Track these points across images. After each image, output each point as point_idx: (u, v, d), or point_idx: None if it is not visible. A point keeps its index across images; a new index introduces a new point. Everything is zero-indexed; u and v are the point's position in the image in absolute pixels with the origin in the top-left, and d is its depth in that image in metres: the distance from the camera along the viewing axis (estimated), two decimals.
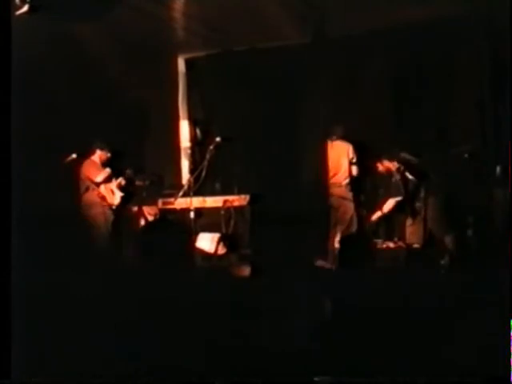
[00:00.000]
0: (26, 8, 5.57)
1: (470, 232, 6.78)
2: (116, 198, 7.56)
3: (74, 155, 7.26)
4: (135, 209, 7.71)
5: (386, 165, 7.30)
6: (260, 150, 8.53)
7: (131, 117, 8.34)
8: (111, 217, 7.50)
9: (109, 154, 7.69)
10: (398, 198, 7.20)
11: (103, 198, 7.47)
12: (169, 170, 8.81)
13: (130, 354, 3.76)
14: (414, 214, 7.12)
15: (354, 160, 7.50)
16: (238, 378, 3.49)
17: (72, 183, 7.36)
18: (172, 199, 7.71)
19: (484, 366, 3.32)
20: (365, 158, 7.80)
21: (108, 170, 7.62)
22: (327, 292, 4.79)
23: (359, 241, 7.19)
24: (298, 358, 3.56)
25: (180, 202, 7.63)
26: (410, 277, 5.29)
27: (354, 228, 7.32)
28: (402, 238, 7.26)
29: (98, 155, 7.67)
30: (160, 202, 7.83)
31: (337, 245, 6.95)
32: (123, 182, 7.65)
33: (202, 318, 4.17)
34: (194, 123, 9.27)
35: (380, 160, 7.35)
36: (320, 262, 6.54)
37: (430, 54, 7.82)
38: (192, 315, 4.27)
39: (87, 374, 3.63)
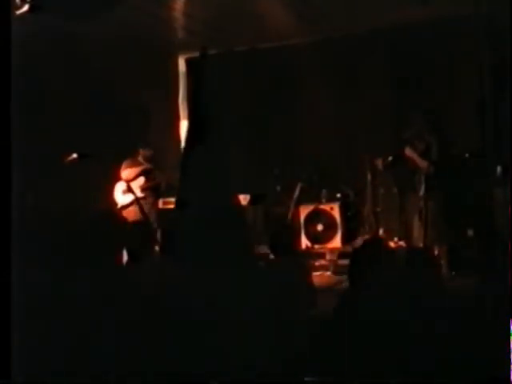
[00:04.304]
0: (26, 7, 5.57)
1: (470, 232, 6.78)
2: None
3: (75, 155, 7.26)
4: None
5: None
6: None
7: (131, 116, 8.35)
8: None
9: (152, 151, 7.72)
10: None
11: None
12: None
13: (130, 354, 3.76)
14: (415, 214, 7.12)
15: None
16: (233, 379, 3.49)
17: (73, 183, 7.36)
18: (173, 199, 7.70)
19: (484, 366, 3.33)
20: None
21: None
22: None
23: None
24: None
25: None
26: (409, 277, 5.28)
27: None
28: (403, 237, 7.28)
29: (141, 154, 7.71)
30: (160, 201, 7.82)
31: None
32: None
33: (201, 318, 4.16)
34: None
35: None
36: None
37: (430, 54, 7.84)
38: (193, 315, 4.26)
39: (88, 373, 3.63)
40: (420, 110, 7.10)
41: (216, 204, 4.91)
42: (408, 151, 6.83)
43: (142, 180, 7.64)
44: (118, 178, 7.65)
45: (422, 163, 6.70)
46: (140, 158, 7.75)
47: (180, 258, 4.76)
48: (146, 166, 7.67)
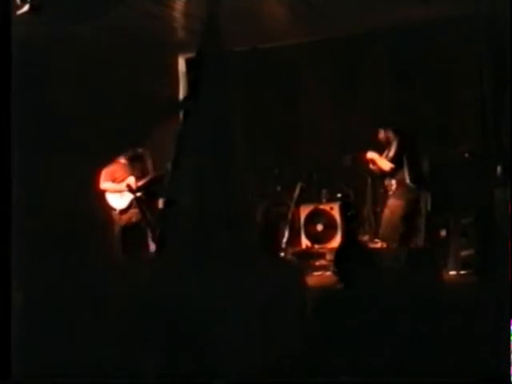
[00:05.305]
0: (26, 8, 5.56)
1: (469, 232, 6.78)
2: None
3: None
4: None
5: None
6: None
7: (131, 117, 8.34)
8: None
9: (140, 150, 7.55)
10: None
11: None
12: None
13: (129, 353, 3.76)
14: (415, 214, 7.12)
15: None
16: (235, 379, 3.49)
17: (73, 183, 7.36)
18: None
19: (484, 366, 3.32)
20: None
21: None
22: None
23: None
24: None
25: None
26: (409, 277, 5.29)
27: None
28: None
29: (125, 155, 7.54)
30: (160, 201, 7.79)
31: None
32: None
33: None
34: None
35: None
36: None
37: (430, 54, 7.84)
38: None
39: (87, 374, 3.63)
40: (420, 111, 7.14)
41: (215, 204, 4.91)
42: (370, 154, 6.98)
43: (132, 179, 7.45)
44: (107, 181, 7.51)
45: (386, 165, 6.82)
46: (122, 159, 7.59)
47: (179, 259, 4.76)
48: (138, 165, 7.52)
